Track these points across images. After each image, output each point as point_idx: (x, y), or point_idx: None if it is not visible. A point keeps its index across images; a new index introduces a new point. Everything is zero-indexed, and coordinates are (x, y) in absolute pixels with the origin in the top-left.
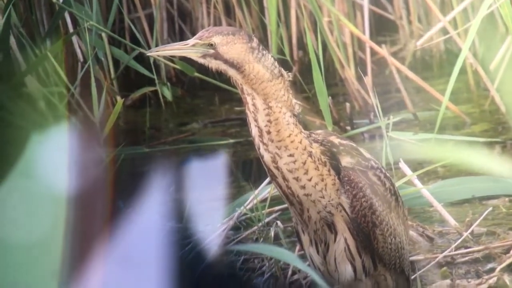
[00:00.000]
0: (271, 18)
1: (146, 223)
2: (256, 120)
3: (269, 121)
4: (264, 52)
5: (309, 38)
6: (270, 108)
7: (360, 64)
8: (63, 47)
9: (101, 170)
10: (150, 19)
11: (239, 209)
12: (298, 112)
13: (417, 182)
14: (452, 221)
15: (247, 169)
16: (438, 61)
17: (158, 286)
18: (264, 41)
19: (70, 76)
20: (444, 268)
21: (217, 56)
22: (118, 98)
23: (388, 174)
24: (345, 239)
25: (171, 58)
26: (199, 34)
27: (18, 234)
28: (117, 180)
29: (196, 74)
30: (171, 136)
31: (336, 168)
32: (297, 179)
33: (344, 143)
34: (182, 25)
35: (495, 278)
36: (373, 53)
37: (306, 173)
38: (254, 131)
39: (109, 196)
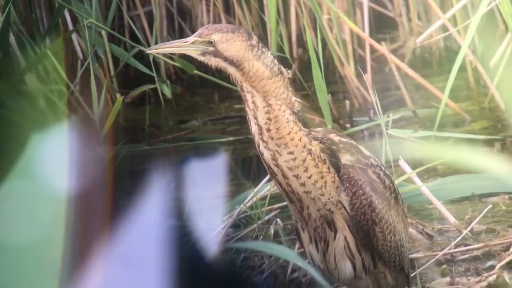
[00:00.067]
0: (270, 16)
1: (146, 221)
2: (256, 118)
3: (268, 118)
4: (264, 49)
5: (309, 36)
6: (270, 105)
7: (359, 62)
8: (63, 45)
9: (100, 168)
10: (150, 16)
11: (239, 207)
12: (297, 109)
13: (416, 179)
14: (451, 218)
15: (247, 167)
16: (438, 59)
17: (158, 284)
18: (263, 39)
19: (69, 74)
20: (444, 265)
21: (216, 54)
22: (118, 95)
23: (387, 172)
24: (345, 237)
25: (170, 56)
26: (199, 31)
27: (18, 233)
28: (117, 178)
29: (196, 71)
30: (171, 134)
31: (336, 165)
32: (297, 176)
33: (344, 141)
34: (181, 23)
35: (494, 276)
36: (373, 50)
37: (306, 170)
38: (254, 129)
39: (108, 194)
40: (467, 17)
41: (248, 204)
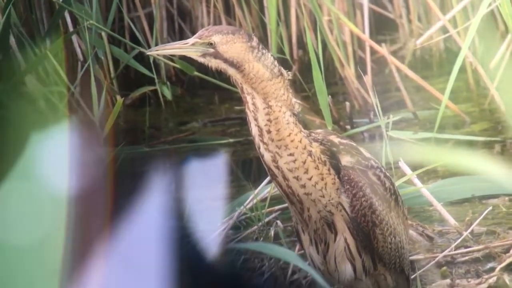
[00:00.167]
0: (271, 17)
1: (146, 223)
2: (256, 119)
3: (269, 120)
4: (264, 51)
5: (309, 37)
6: (270, 107)
7: (360, 63)
8: (63, 46)
9: (101, 169)
10: (150, 18)
11: (239, 209)
12: (298, 111)
13: (416, 181)
14: (452, 220)
15: (247, 169)
16: (438, 60)
17: (158, 285)
18: (264, 40)
19: (70, 75)
20: (444, 267)
21: (216, 55)
22: (118, 97)
23: (387, 174)
24: (345, 239)
25: (171, 57)
26: (199, 33)
27: (18, 233)
28: (117, 180)
29: (196, 73)
30: (171, 135)
31: (336, 167)
32: (297, 178)
33: (344, 142)
34: (182, 24)
35: (495, 278)
36: (373, 52)
37: (306, 172)
38: (254, 130)
39: (109, 195)
40: (467, 19)
41: (248, 206)
